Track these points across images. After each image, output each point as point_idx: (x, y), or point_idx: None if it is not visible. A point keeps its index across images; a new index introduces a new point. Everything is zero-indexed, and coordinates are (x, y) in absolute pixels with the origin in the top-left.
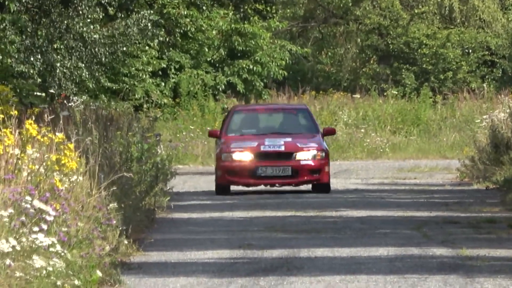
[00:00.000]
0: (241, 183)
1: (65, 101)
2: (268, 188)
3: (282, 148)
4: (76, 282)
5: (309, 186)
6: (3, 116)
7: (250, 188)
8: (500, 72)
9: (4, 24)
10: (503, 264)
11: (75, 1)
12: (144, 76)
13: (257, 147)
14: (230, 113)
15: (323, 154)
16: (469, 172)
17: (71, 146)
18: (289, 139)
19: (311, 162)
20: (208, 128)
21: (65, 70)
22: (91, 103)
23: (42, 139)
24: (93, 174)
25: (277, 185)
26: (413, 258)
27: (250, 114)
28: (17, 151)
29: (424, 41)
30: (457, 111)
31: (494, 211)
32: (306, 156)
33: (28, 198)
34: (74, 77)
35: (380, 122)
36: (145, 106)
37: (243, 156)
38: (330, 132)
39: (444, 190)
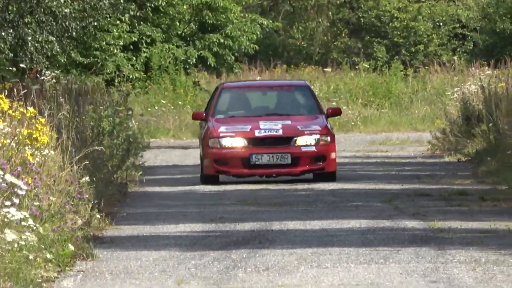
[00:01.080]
0: (233, 173)
1: (36, 76)
2: (264, 179)
3: (280, 132)
4: (48, 256)
5: (310, 175)
6: None
7: (243, 179)
8: (471, 45)
9: None
10: (474, 236)
11: None
12: (115, 51)
13: (251, 132)
14: (218, 91)
15: (328, 138)
16: (440, 144)
17: (43, 120)
18: (287, 122)
19: (314, 148)
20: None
21: (36, 45)
22: (62, 78)
23: (13, 114)
24: (65, 148)
25: (274, 175)
26: (385, 230)
27: (241, 93)
28: None
29: (395, 15)
30: (428, 84)
31: (465, 183)
32: (308, 141)
33: (6, 175)
34: (45, 51)
35: (351, 95)
36: (116, 80)
37: (234, 142)
38: (335, 112)
39: (415, 162)
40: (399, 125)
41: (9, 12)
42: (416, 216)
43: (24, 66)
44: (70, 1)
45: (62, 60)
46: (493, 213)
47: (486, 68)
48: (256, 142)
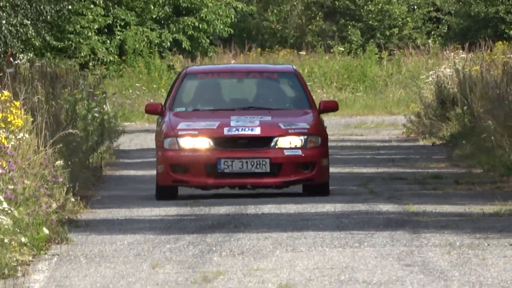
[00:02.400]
0: (193, 184)
1: (11, 59)
2: (236, 191)
3: (257, 131)
4: (23, 239)
5: (298, 187)
6: None
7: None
8: (446, 28)
9: None
10: (449, 219)
11: None
12: (89, 34)
13: (219, 129)
14: (180, 78)
15: (318, 139)
16: (415, 128)
17: (17, 103)
18: (267, 118)
19: (300, 152)
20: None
21: (10, 28)
22: (37, 61)
23: None
24: (40, 132)
25: (249, 186)
26: (360, 214)
27: (209, 80)
28: None
29: None
30: (403, 67)
31: (440, 167)
32: (292, 142)
33: None
34: (20, 35)
35: (326, 78)
36: (90, 63)
37: (196, 143)
38: (329, 107)
39: (390, 146)
40: (374, 109)
41: None
42: (391, 200)
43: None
44: None
45: (37, 44)
46: (467, 197)
47: (461, 51)
48: (226, 144)
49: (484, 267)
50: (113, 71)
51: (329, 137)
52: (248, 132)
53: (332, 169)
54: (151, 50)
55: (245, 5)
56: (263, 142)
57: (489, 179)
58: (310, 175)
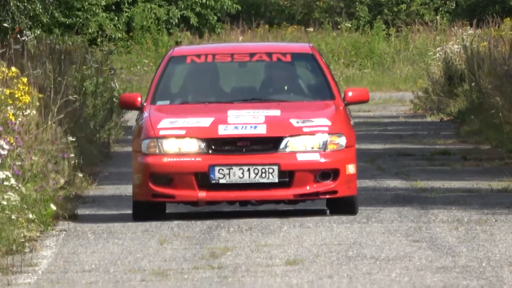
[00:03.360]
0: (181, 199)
1: (18, 36)
2: (236, 207)
3: (262, 130)
4: (30, 215)
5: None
6: None
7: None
8: (454, 5)
9: None
10: (457, 195)
11: None
12: (97, 10)
13: (212, 128)
14: (164, 61)
15: (343, 139)
16: (422, 104)
17: (25, 80)
18: (275, 112)
19: (318, 157)
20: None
21: (18, 4)
22: (45, 38)
23: None
24: (47, 108)
25: (254, 201)
26: (367, 190)
27: (203, 65)
28: None
29: None
30: (410, 43)
31: (448, 143)
32: (308, 144)
33: None
34: (28, 11)
35: (333, 55)
36: (98, 40)
37: (184, 146)
38: (359, 97)
39: (398, 122)
40: (381, 85)
41: None
42: (399, 176)
43: (7, 26)
44: None
45: (45, 20)
46: (475, 173)
47: (468, 27)
48: (221, 146)
49: (492, 242)
50: (120, 47)
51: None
52: (250, 131)
53: None
54: (159, 27)
55: None
56: (270, 143)
57: (497, 155)
58: (332, 187)
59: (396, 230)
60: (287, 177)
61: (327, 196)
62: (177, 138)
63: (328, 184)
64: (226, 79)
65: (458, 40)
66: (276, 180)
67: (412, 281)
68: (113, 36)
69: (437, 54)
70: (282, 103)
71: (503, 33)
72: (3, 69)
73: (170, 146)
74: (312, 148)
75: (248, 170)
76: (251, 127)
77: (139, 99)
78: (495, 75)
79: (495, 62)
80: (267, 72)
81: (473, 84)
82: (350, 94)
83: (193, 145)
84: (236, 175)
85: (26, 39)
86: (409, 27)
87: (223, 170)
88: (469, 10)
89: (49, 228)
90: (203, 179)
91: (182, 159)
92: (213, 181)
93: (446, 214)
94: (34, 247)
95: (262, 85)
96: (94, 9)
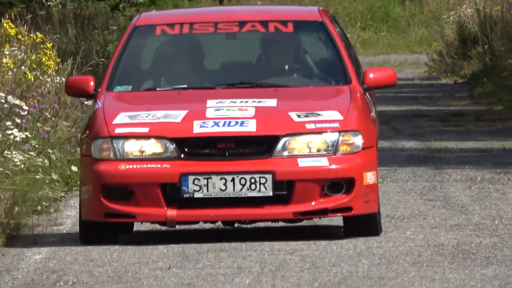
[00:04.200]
0: (143, 218)
1: (43, 1)
2: (218, 226)
3: (251, 127)
4: (54, 176)
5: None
6: None
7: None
8: None
9: None
10: (470, 155)
11: None
12: None
13: (185, 124)
14: (126, 34)
15: (359, 139)
16: (437, 66)
17: (50, 45)
18: (270, 102)
19: (326, 162)
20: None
21: None
22: (68, 3)
23: (22, 39)
24: (71, 73)
25: (239, 222)
26: (383, 151)
27: (176, 37)
28: None
29: None
30: (425, 7)
31: (462, 104)
32: (314, 145)
33: (9, 97)
34: None
35: (350, 19)
36: (121, 5)
37: (147, 148)
38: (385, 81)
39: (413, 84)
40: (397, 48)
41: None
42: (414, 137)
43: None
44: None
45: None
46: (488, 133)
47: None
48: (197, 149)
49: (504, 201)
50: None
51: None
52: (235, 128)
53: None
54: None
55: None
56: (261, 145)
57: (510, 116)
58: (345, 201)
59: (411, 190)
60: (285, 189)
61: (338, 214)
62: (139, 138)
63: (340, 199)
64: (207, 57)
65: (471, 4)
66: (270, 194)
67: (426, 239)
68: (135, 1)
69: (451, 18)
70: (279, 89)
71: None
72: (32, 35)
73: (129, 148)
74: (319, 150)
75: (233, 180)
76: (237, 123)
77: (91, 83)
78: (508, 38)
79: (508, 25)
80: (261, 47)
81: (486, 46)
82: (371, 75)
83: (159, 148)
84: (217, 187)
85: (51, 4)
86: None
87: (199, 180)
88: None
89: (73, 188)
90: (173, 192)
91: (145, 166)
92: (186, 195)
93: (459, 174)
94: (58, 207)
95: (254, 65)
96: None
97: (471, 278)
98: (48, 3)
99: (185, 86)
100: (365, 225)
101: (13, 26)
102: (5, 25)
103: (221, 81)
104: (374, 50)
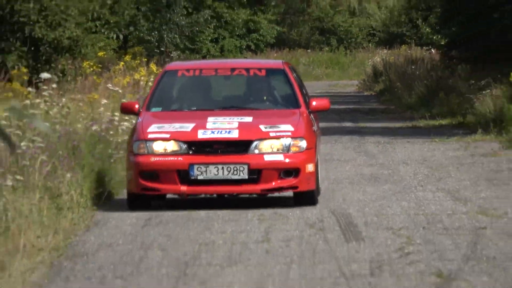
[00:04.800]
0: (166, 191)
1: (170, 54)
2: (214, 196)
3: (234, 134)
4: None
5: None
6: (138, 62)
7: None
8: (378, 38)
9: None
10: (379, 130)
11: None
12: (206, 42)
13: (192, 132)
14: (159, 75)
15: (304, 143)
16: (362, 86)
17: None
18: (248, 119)
19: (282, 157)
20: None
21: (169, 38)
22: (180, 55)
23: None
24: None
25: (226, 195)
26: (335, 128)
27: (191, 78)
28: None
29: None
30: (356, 58)
31: (375, 105)
32: (274, 146)
33: None
34: (174, 41)
35: (319, 63)
36: (207, 57)
37: (169, 147)
38: (321, 106)
39: (351, 95)
40: (343, 77)
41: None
42: (351, 121)
43: (163, 50)
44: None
45: (181, 46)
46: (387, 119)
47: (385, 49)
48: (200, 148)
49: (395, 152)
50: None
51: (319, 91)
52: (224, 135)
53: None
54: (237, 50)
55: None
56: (241, 146)
57: (399, 112)
58: (293, 182)
59: (348, 147)
60: (256, 174)
61: (290, 191)
62: (163, 141)
63: (291, 181)
64: (210, 91)
65: (379, 56)
66: (246, 177)
67: (355, 170)
68: (213, 54)
69: (369, 63)
70: (255, 110)
71: (402, 52)
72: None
73: (157, 147)
74: (278, 150)
75: (222, 168)
76: (226, 132)
77: (136, 106)
78: (397, 73)
79: (397, 66)
80: (245, 84)
81: (386, 77)
82: (314, 103)
83: (176, 147)
84: (212, 172)
85: (174, 55)
86: (356, 49)
87: (200, 168)
88: (385, 40)
89: None
90: (184, 175)
91: (167, 158)
92: (193, 177)
93: (373, 139)
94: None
95: (239, 96)
96: (205, 41)
97: (377, 190)
98: (171, 55)
99: (195, 108)
100: (306, 198)
101: (144, 58)
102: (151, 66)
103: (218, 105)
104: (332, 78)
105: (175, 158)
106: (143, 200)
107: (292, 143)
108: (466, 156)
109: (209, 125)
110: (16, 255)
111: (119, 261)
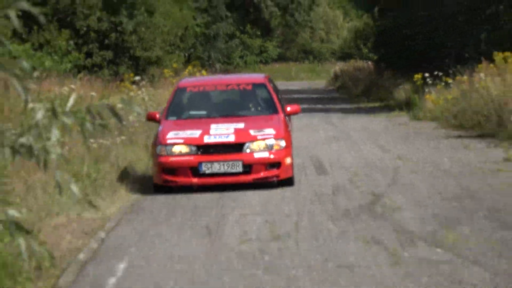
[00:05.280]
0: (182, 183)
1: (214, 67)
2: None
3: (231, 138)
4: None
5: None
6: (196, 70)
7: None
8: (341, 54)
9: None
10: (339, 110)
11: None
12: (237, 58)
13: (200, 138)
14: (173, 90)
15: (283, 142)
16: (328, 84)
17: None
18: (240, 125)
19: (267, 154)
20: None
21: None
22: (220, 68)
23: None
24: None
25: (228, 184)
26: (310, 109)
27: (197, 93)
28: None
29: None
30: (325, 67)
31: (336, 95)
32: (261, 146)
33: None
34: (217, 57)
35: (302, 70)
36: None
37: (182, 149)
38: (294, 111)
39: (321, 90)
40: (317, 79)
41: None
42: (322, 105)
43: (211, 63)
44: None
45: (220, 62)
46: (344, 102)
47: (342, 62)
48: (206, 149)
49: (361, 124)
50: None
51: (303, 87)
52: (223, 139)
53: (302, 101)
54: (255, 63)
55: None
56: (237, 147)
57: (349, 98)
58: (276, 172)
59: (320, 119)
60: (248, 168)
61: (274, 179)
62: (178, 145)
63: (274, 171)
64: (211, 102)
65: (338, 66)
66: (241, 170)
67: (334, 135)
68: (241, 65)
69: (332, 70)
70: (245, 117)
71: (351, 64)
72: (204, 73)
73: (174, 150)
74: (264, 148)
75: (223, 164)
76: (224, 137)
77: (158, 115)
78: (351, 77)
79: (351, 74)
80: (236, 97)
81: (342, 78)
82: (288, 109)
83: (188, 149)
84: (216, 167)
85: (217, 67)
86: (324, 63)
87: (207, 165)
88: (342, 57)
89: None
90: (195, 171)
91: (181, 158)
92: (201, 172)
93: (335, 115)
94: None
95: (233, 106)
96: (235, 57)
97: (337, 146)
98: (216, 66)
99: (200, 117)
100: (286, 182)
101: (200, 68)
102: (203, 72)
103: (218, 114)
104: (310, 80)
105: (188, 158)
106: (166, 189)
107: (274, 143)
108: (389, 125)
109: (212, 131)
110: (123, 182)
111: (173, 199)
